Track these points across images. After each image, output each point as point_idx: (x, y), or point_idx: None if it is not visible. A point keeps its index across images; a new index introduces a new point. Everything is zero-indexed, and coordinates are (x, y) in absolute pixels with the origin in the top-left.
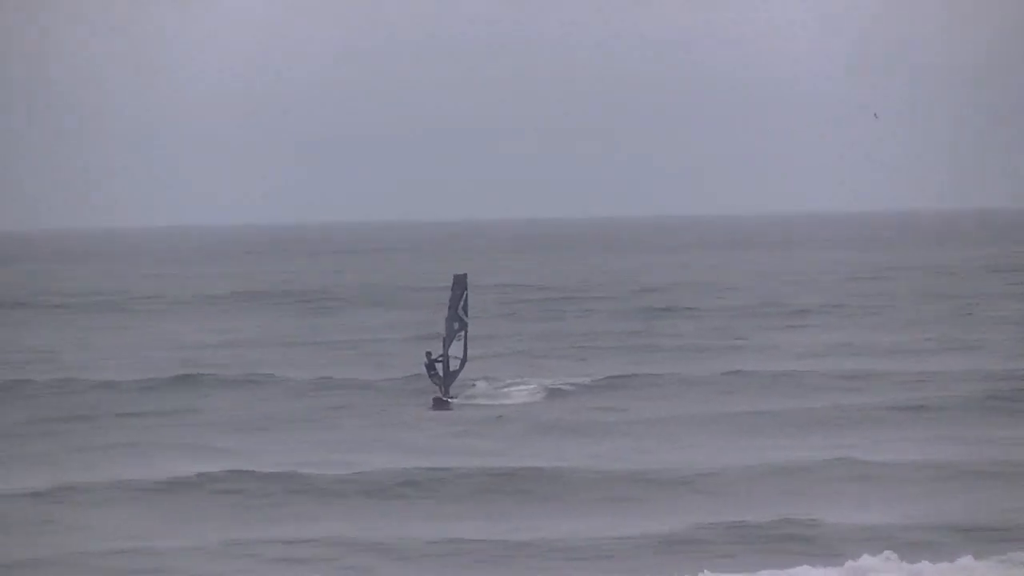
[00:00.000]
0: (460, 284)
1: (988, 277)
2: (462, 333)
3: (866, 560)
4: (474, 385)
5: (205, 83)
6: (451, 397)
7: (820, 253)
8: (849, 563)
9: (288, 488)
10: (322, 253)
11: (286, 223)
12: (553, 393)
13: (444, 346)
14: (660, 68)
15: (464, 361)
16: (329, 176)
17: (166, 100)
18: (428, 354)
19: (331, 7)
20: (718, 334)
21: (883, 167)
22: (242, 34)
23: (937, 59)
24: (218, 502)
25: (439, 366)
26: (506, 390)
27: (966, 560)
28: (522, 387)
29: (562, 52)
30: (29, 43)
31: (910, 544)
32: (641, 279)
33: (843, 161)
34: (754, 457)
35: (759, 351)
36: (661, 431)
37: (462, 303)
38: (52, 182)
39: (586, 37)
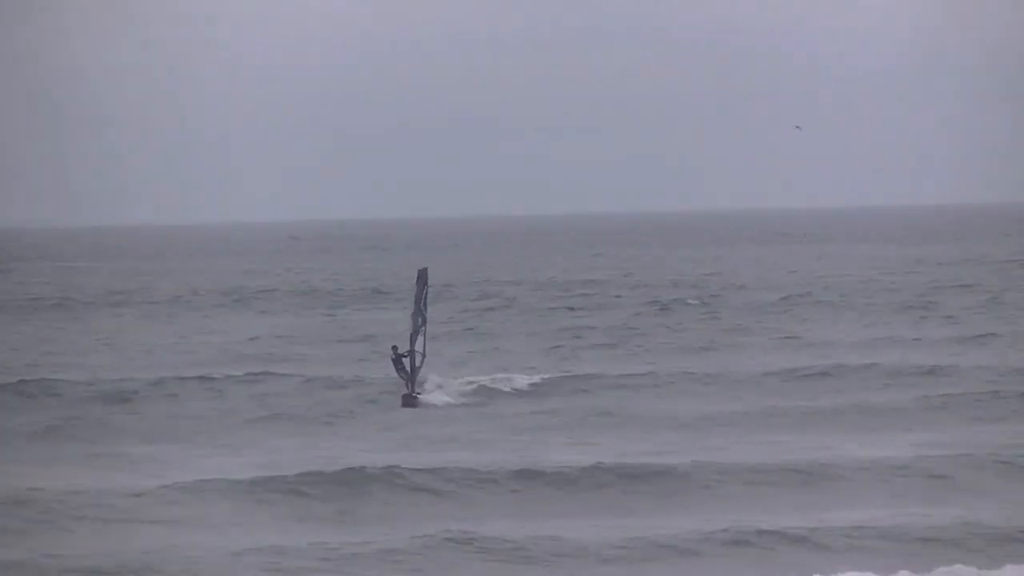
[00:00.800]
0: (423, 279)
1: None
2: (423, 328)
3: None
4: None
5: (208, 84)
6: (416, 394)
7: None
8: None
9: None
10: (419, 248)
11: (290, 220)
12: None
13: (411, 342)
14: (661, 66)
15: (424, 357)
16: (332, 175)
17: (170, 101)
18: (394, 348)
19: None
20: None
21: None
22: (247, 35)
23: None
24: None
25: (406, 361)
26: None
27: None
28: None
29: (564, 50)
30: (50, 45)
31: None
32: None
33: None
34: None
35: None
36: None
37: (423, 298)
38: (61, 181)
39: (586, 35)
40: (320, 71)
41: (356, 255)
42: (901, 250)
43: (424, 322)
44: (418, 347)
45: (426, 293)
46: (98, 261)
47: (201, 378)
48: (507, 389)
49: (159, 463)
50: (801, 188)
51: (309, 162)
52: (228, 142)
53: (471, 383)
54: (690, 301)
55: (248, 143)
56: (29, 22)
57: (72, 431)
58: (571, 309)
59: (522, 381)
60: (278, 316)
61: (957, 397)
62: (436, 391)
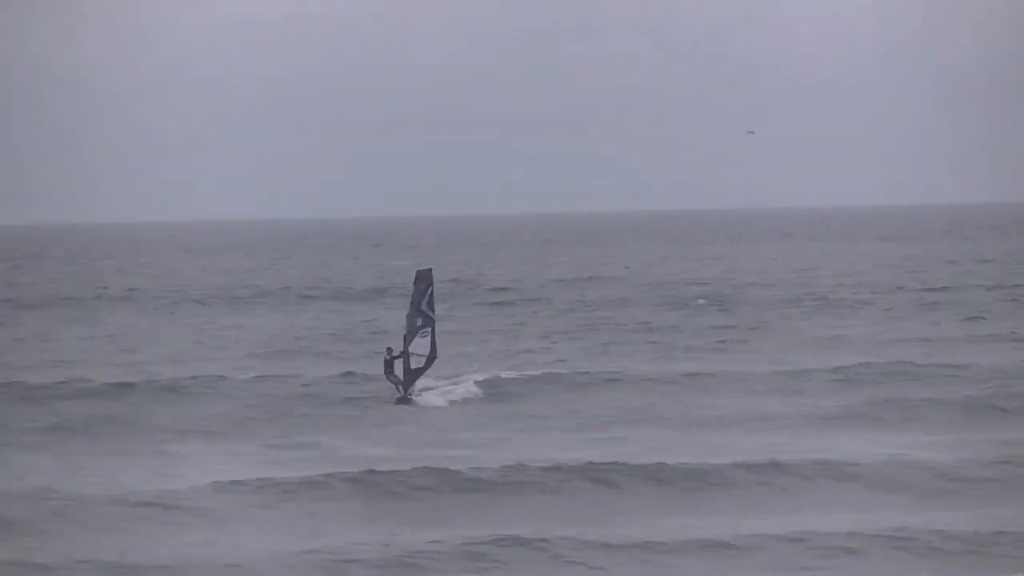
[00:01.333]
0: (424, 279)
1: None
2: (428, 330)
3: None
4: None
5: (207, 82)
6: (410, 395)
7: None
8: None
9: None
10: (427, 247)
11: (289, 218)
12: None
13: (404, 343)
14: (658, 66)
15: (432, 358)
16: (332, 173)
17: (176, 102)
18: (389, 350)
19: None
20: None
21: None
22: (247, 34)
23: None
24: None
25: (397, 363)
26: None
27: None
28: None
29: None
30: (49, 44)
31: None
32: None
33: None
34: None
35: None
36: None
37: (427, 299)
38: (61, 180)
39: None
40: (320, 71)
41: (363, 253)
42: (909, 248)
43: (431, 323)
44: (419, 349)
45: (431, 293)
46: (110, 259)
47: (222, 377)
48: (517, 385)
49: (194, 461)
50: (802, 188)
51: (307, 161)
52: (228, 141)
53: (488, 378)
54: (700, 302)
55: (247, 142)
56: (28, 21)
57: (97, 430)
58: (587, 306)
59: (532, 378)
60: (296, 313)
61: (995, 395)
62: (439, 391)
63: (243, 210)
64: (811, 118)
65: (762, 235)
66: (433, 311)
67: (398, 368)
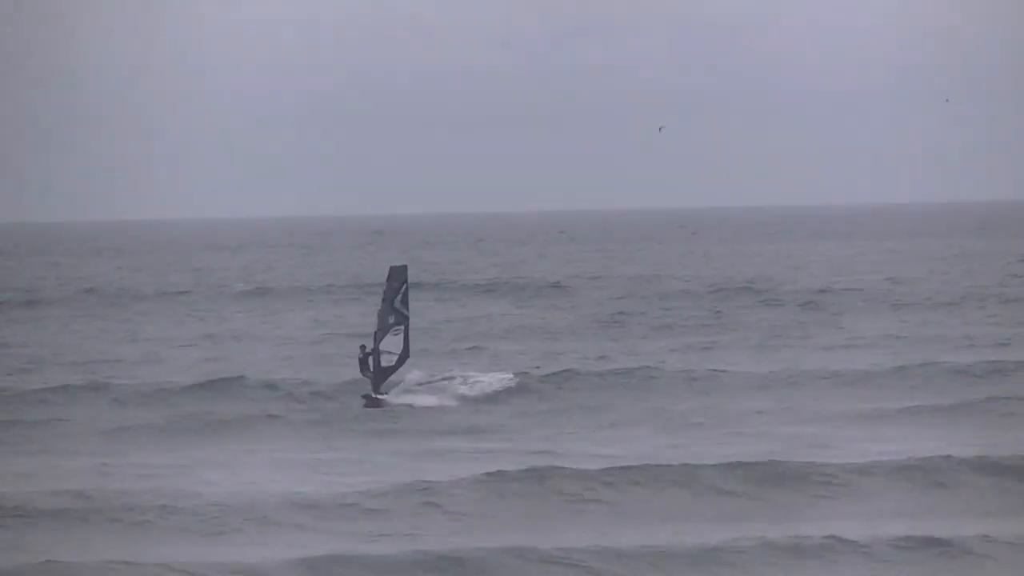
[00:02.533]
0: (398, 276)
1: None
2: (401, 328)
3: None
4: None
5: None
6: (381, 394)
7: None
8: None
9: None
10: (445, 244)
11: (287, 216)
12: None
13: (375, 341)
14: (660, 64)
15: (404, 357)
16: (339, 173)
17: (181, 102)
18: (363, 347)
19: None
20: None
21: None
22: (256, 32)
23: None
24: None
25: (372, 360)
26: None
27: None
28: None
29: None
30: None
31: None
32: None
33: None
34: None
35: None
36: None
37: (400, 296)
38: (63, 177)
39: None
40: (329, 73)
41: (400, 250)
42: (943, 245)
43: (404, 320)
44: (393, 348)
45: (405, 290)
46: (148, 255)
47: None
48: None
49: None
50: (801, 188)
51: (313, 161)
52: (229, 141)
53: (512, 376)
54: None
55: (248, 141)
56: (27, 20)
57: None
58: (623, 311)
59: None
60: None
61: None
62: (423, 391)
63: (239, 210)
64: (811, 118)
65: (787, 234)
66: (407, 308)
67: (371, 365)
